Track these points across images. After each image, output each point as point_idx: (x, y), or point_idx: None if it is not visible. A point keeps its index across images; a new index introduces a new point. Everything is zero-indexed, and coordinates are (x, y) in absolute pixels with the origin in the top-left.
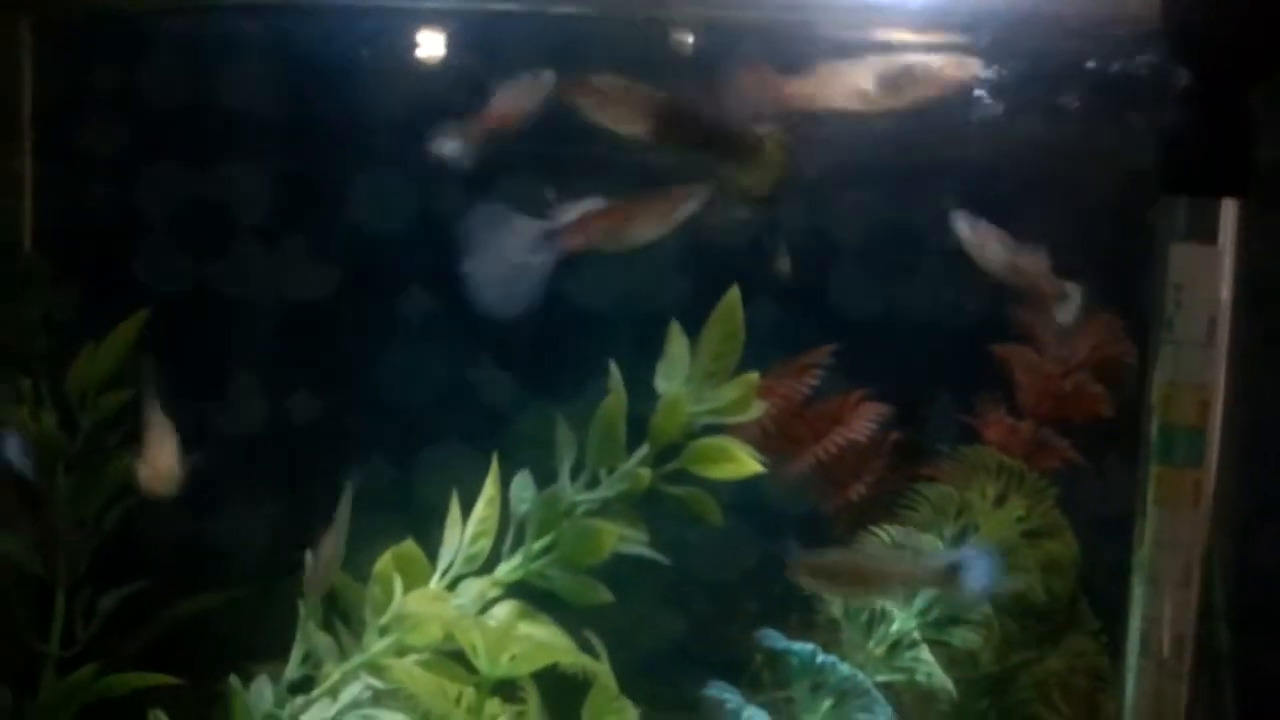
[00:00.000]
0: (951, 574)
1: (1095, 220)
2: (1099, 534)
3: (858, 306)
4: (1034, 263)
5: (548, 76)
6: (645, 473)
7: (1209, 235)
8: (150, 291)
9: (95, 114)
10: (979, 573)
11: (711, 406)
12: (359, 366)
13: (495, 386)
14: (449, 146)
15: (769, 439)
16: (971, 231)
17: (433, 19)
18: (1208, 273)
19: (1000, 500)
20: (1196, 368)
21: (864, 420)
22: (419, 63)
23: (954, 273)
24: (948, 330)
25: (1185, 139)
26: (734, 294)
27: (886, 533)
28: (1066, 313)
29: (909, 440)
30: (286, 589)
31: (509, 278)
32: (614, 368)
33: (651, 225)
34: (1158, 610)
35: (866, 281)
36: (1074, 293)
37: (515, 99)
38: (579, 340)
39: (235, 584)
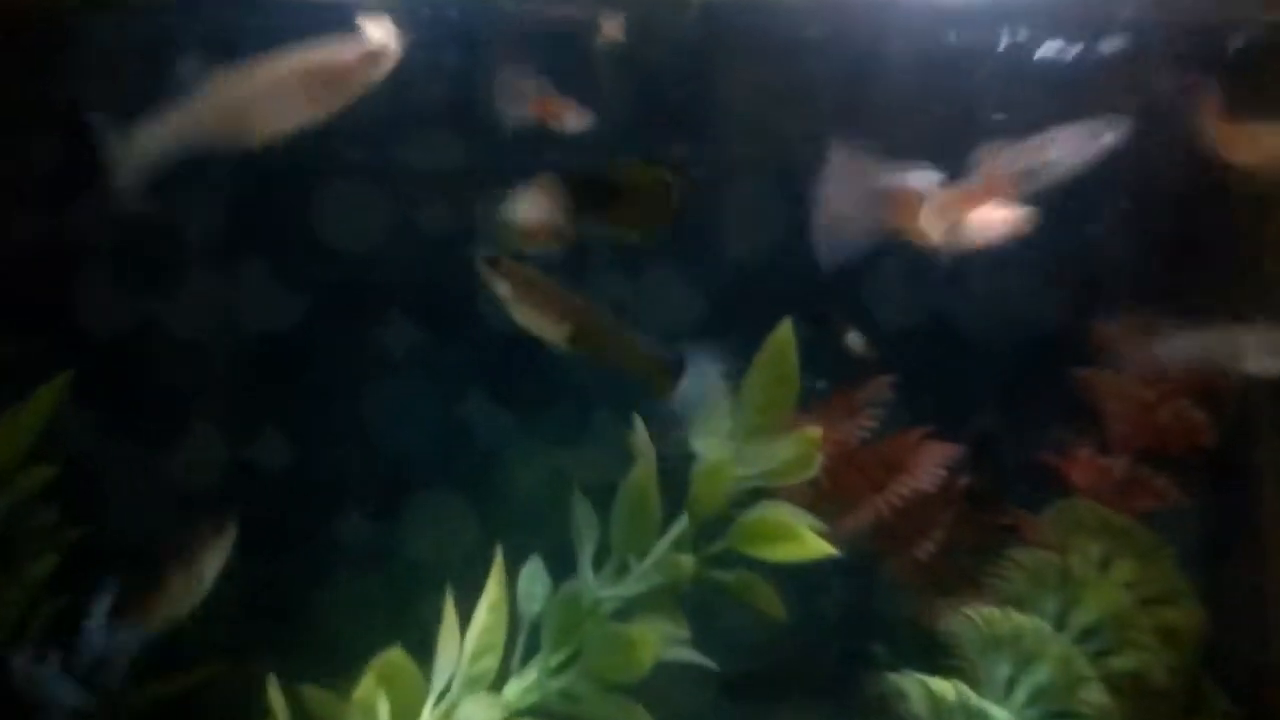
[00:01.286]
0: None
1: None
2: (1211, 590)
3: (908, 325)
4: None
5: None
6: (687, 559)
7: None
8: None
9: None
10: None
11: (762, 469)
12: (333, 406)
13: (491, 428)
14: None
15: (819, 491)
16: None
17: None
18: None
19: (1105, 562)
20: None
21: (930, 465)
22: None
23: (1021, 283)
24: (1020, 352)
25: None
26: (785, 329)
27: (977, 613)
28: None
29: (981, 485)
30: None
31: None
32: (640, 425)
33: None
34: None
35: (917, 294)
36: None
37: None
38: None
39: (202, 662)
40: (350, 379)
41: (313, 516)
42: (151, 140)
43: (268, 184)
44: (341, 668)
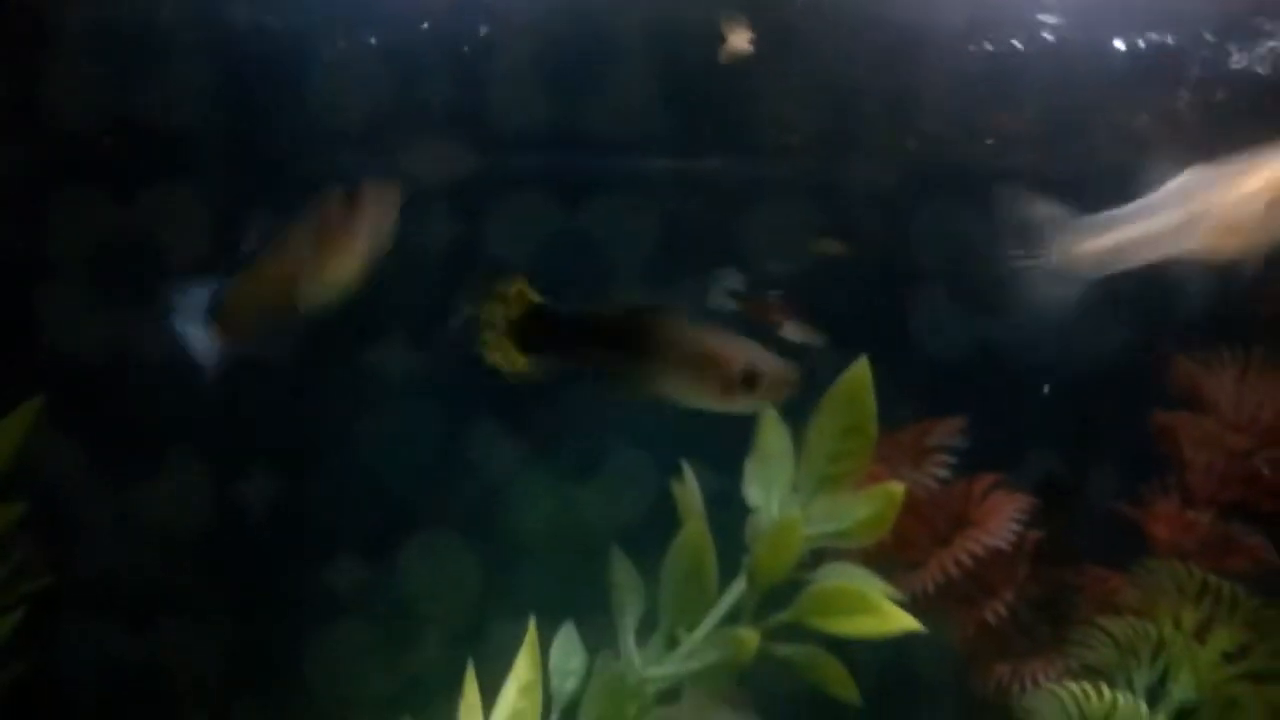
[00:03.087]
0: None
1: None
2: None
3: (970, 363)
4: None
5: None
6: (750, 635)
7: None
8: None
9: None
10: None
11: (833, 529)
12: (327, 440)
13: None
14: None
15: (880, 546)
16: None
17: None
18: None
19: (1202, 632)
20: None
21: (1002, 518)
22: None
23: (1097, 316)
24: (1093, 392)
25: None
26: (862, 367)
27: (1064, 689)
28: None
29: (1054, 540)
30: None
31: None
32: (689, 474)
33: None
34: None
35: (979, 328)
36: None
37: None
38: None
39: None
40: None
41: None
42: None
43: None
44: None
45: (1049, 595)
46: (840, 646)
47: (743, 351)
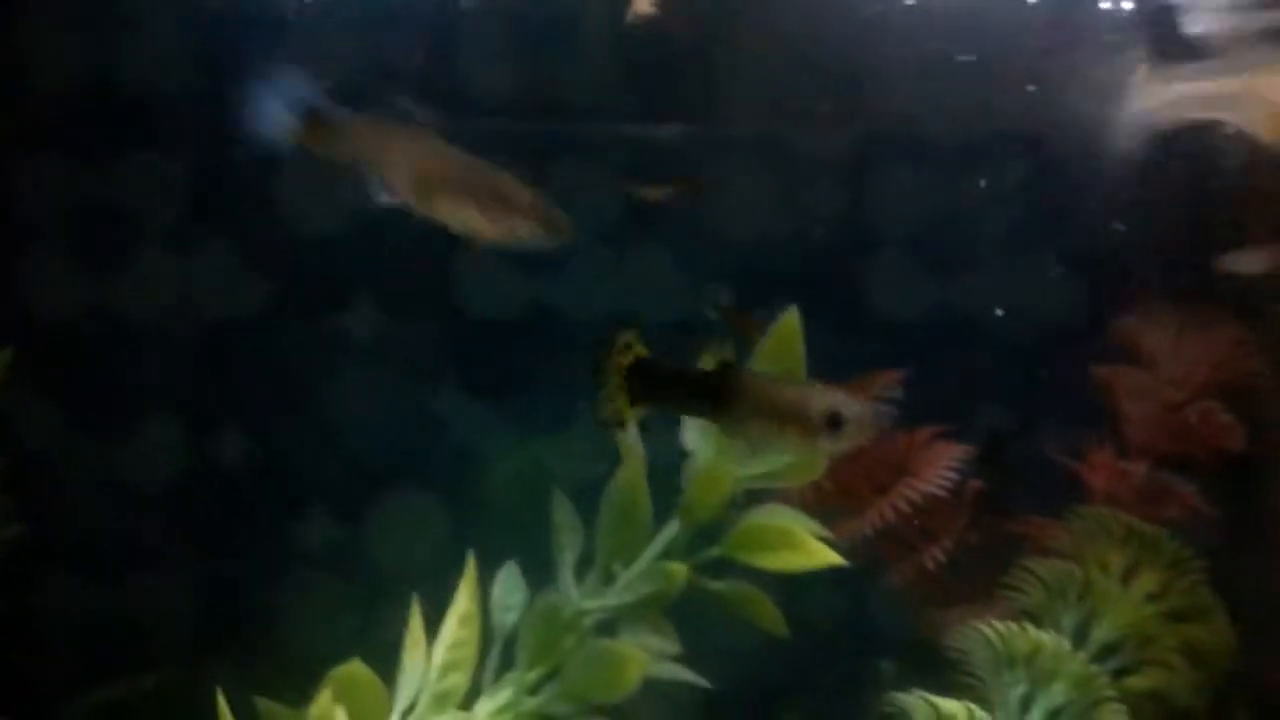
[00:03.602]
0: None
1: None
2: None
3: (916, 315)
4: None
5: None
6: (679, 568)
7: None
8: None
9: None
10: None
11: (764, 470)
12: (297, 398)
13: (466, 422)
14: None
15: (820, 493)
16: None
17: None
18: None
19: (1128, 575)
20: None
21: (940, 467)
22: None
23: (1039, 271)
24: (1034, 347)
25: None
26: (791, 317)
27: (991, 628)
28: None
29: (993, 489)
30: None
31: None
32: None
33: None
34: None
35: (925, 282)
36: None
37: None
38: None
39: (155, 664)
40: None
41: None
42: None
43: None
44: (304, 676)
45: (989, 542)
46: (794, 592)
47: (823, 398)
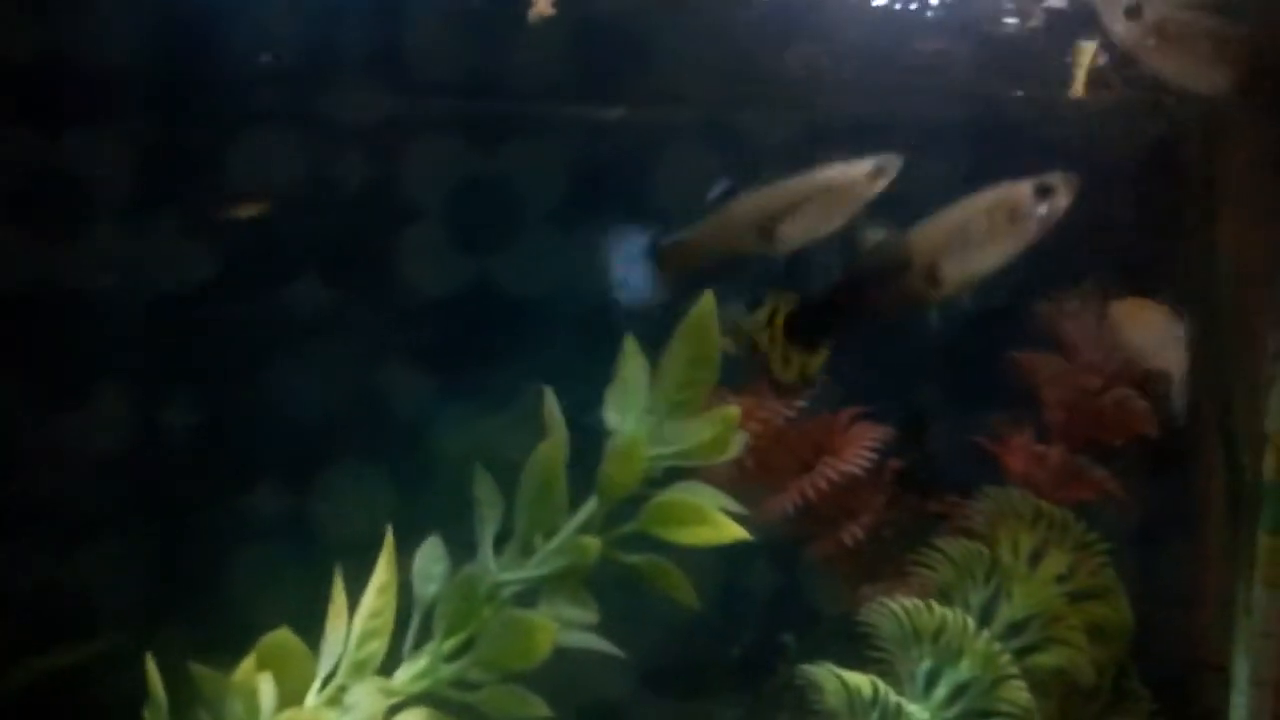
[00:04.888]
0: None
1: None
2: (1146, 584)
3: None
4: None
5: None
6: (592, 541)
7: None
8: None
9: None
10: None
11: (678, 448)
12: (242, 371)
13: (407, 396)
14: None
15: (743, 471)
16: None
17: None
18: None
19: (1036, 556)
20: None
21: (859, 447)
22: None
23: None
24: (956, 333)
25: None
26: (707, 302)
27: (900, 604)
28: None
29: (913, 470)
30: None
31: None
32: (550, 398)
33: None
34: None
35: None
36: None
37: None
38: (510, 344)
39: (104, 632)
40: None
41: None
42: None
43: None
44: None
45: (910, 520)
46: (723, 573)
47: (1010, 187)
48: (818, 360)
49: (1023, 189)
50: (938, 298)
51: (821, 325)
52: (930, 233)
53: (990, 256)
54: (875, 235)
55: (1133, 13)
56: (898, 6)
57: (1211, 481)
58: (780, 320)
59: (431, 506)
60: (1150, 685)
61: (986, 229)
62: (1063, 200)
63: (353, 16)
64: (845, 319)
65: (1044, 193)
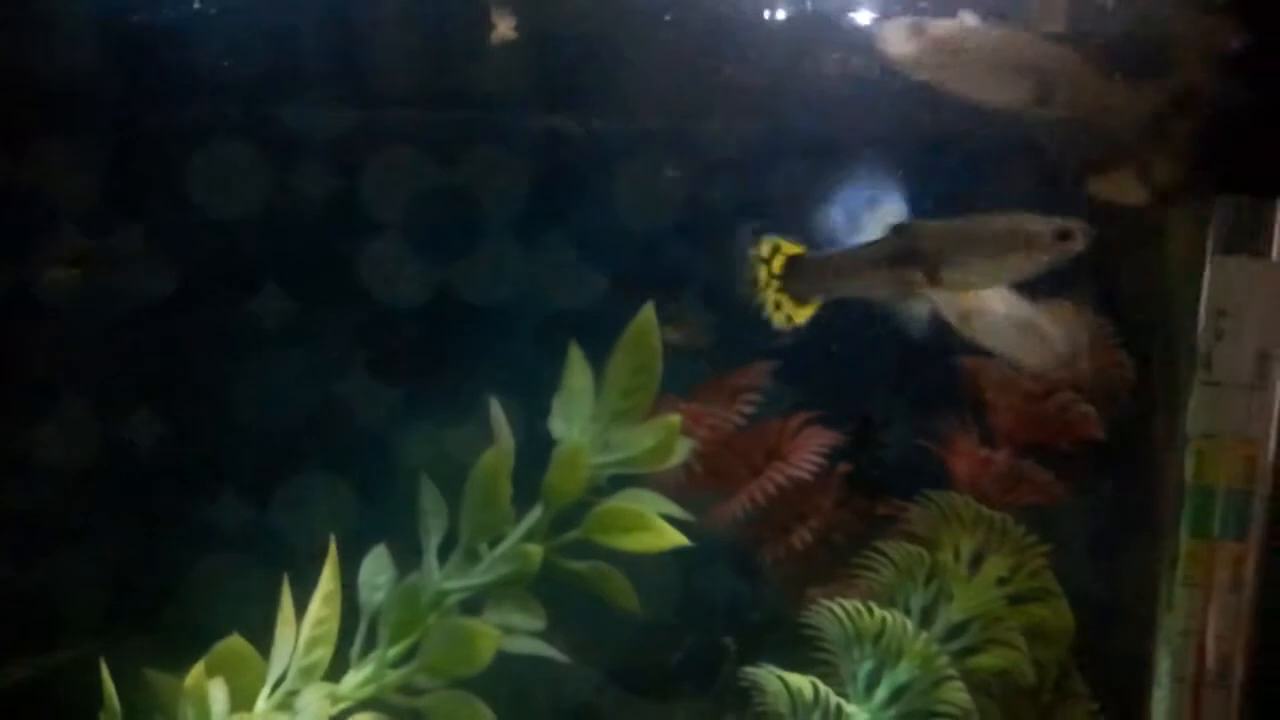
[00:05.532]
0: None
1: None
2: (1091, 584)
3: None
4: None
5: None
6: (535, 549)
7: (1261, 246)
8: None
9: None
10: None
11: (622, 456)
12: (205, 382)
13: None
14: None
15: (693, 476)
16: None
17: None
18: (1259, 294)
19: (977, 559)
20: (1241, 415)
21: (808, 451)
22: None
23: None
24: (903, 339)
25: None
26: (648, 312)
27: (842, 606)
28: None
29: (861, 474)
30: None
31: None
32: (495, 406)
33: None
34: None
35: None
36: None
37: None
38: (465, 351)
39: (69, 641)
40: None
41: None
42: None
43: None
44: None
45: (858, 524)
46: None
47: (1035, 220)
48: (805, 311)
49: (1045, 226)
50: (926, 296)
51: (818, 278)
52: (944, 234)
53: (991, 276)
54: None
55: (916, 32)
56: None
57: (1162, 484)
58: (779, 263)
59: (381, 516)
60: (1096, 686)
61: (998, 250)
62: (1077, 247)
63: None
64: (839, 282)
65: (1063, 237)
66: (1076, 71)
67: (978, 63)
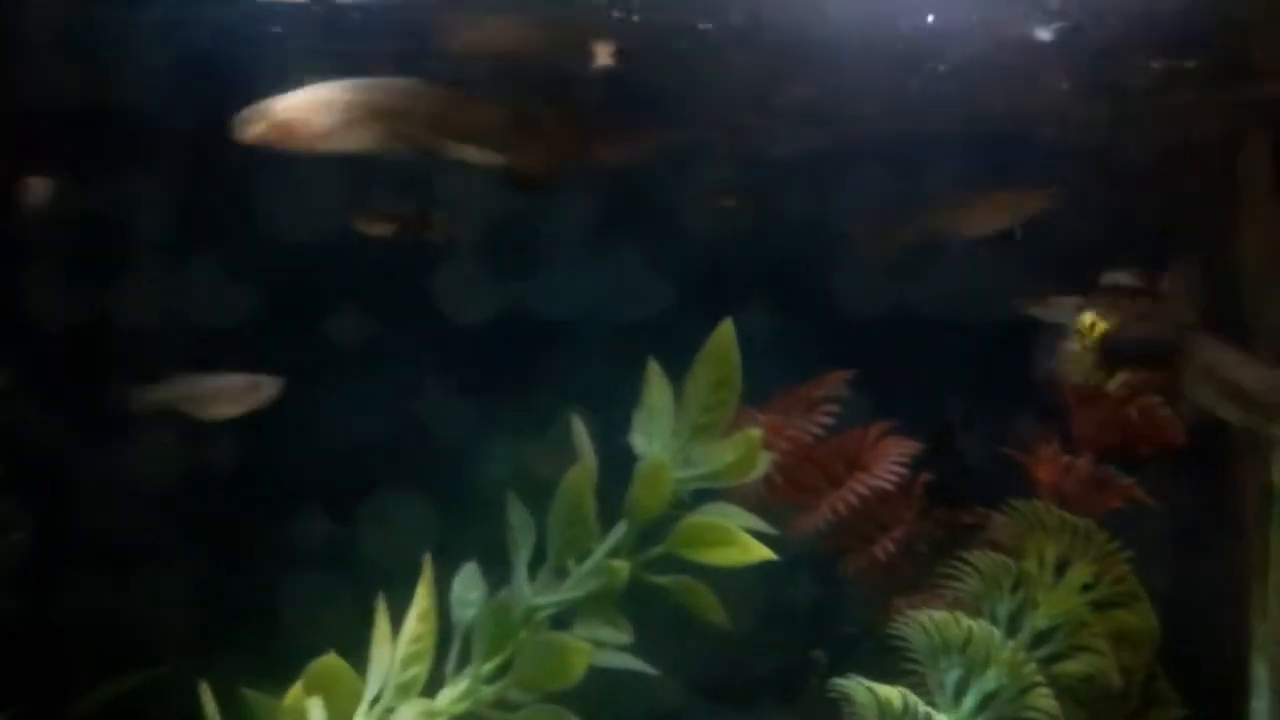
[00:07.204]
0: None
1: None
2: (1175, 590)
3: (871, 315)
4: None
5: None
6: (622, 565)
7: None
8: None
9: None
10: None
11: (704, 470)
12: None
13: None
14: None
15: (773, 488)
16: None
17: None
18: None
19: (1062, 566)
20: None
21: (889, 461)
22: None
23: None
24: (986, 346)
25: None
26: (727, 327)
27: (927, 617)
28: None
29: (943, 483)
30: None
31: None
32: (577, 424)
33: None
34: None
35: (881, 284)
36: None
37: None
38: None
39: (157, 659)
40: None
41: None
42: None
43: None
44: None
45: (941, 534)
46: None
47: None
48: (1109, 380)
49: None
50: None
51: (1125, 359)
52: None
53: None
54: None
55: (259, 115)
56: None
57: (1245, 487)
58: (1097, 334)
59: (470, 533)
60: (1183, 690)
61: None
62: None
63: None
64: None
65: None
66: (429, 102)
67: (329, 124)
